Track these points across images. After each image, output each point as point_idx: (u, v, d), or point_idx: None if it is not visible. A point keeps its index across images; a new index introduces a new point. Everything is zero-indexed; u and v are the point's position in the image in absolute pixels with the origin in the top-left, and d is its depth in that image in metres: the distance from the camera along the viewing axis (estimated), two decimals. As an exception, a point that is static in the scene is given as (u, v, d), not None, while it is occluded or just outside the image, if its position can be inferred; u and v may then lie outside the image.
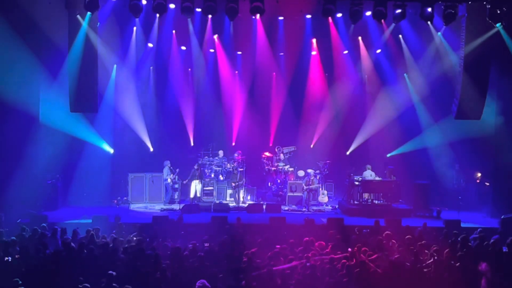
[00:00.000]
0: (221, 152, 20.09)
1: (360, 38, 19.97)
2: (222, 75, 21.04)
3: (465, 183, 19.22)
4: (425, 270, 10.84)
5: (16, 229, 13.24)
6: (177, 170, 18.93)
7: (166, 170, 18.96)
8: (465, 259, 11.09)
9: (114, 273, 9.48)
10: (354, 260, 10.99)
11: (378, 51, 20.14)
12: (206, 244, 11.98)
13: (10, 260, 10.58)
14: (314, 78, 21.26)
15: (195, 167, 18.86)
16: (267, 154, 20.42)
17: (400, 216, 16.40)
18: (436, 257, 11.14)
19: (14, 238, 11.80)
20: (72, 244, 11.62)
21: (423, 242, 12.29)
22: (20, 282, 9.13)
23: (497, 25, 16.03)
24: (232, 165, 19.30)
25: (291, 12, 18.26)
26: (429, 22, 16.64)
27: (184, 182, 18.94)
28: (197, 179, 18.76)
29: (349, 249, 11.62)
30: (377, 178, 18.75)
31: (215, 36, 19.94)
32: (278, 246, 11.81)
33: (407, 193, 18.95)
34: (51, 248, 11.58)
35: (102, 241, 12.17)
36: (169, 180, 18.87)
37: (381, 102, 20.53)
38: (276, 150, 20.27)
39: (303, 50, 20.74)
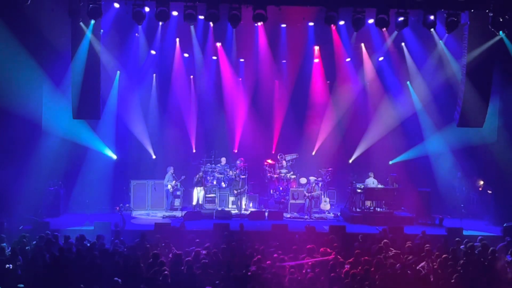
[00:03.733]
0: (223, 159, 20.07)
1: (362, 45, 20.01)
2: (225, 82, 21.07)
3: (467, 190, 19.22)
4: (424, 276, 10.82)
5: (18, 236, 13.21)
6: (183, 177, 18.90)
7: (167, 176, 18.94)
8: (468, 267, 11.06)
9: (119, 280, 9.44)
10: (358, 269, 10.97)
11: (381, 58, 20.17)
12: (205, 252, 11.95)
13: (11, 267, 10.56)
14: (316, 85, 21.28)
15: (199, 173, 18.85)
16: (269, 161, 20.41)
17: (403, 224, 16.33)
18: (436, 264, 11.12)
19: (16, 245, 11.78)
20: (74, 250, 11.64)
21: (426, 248, 12.21)
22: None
23: (500, 33, 16.00)
24: (235, 172, 19.30)
25: (293, 19, 18.33)
26: (431, 30, 16.58)
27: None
28: (200, 186, 18.75)
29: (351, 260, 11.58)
30: (380, 186, 18.72)
31: (218, 44, 19.99)
32: (280, 252, 11.81)
33: (409, 201, 18.90)
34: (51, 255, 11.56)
35: (103, 248, 12.14)
36: (169, 187, 18.85)
37: (384, 109, 20.53)
38: (278, 157, 20.24)
39: (305, 58, 20.77)
